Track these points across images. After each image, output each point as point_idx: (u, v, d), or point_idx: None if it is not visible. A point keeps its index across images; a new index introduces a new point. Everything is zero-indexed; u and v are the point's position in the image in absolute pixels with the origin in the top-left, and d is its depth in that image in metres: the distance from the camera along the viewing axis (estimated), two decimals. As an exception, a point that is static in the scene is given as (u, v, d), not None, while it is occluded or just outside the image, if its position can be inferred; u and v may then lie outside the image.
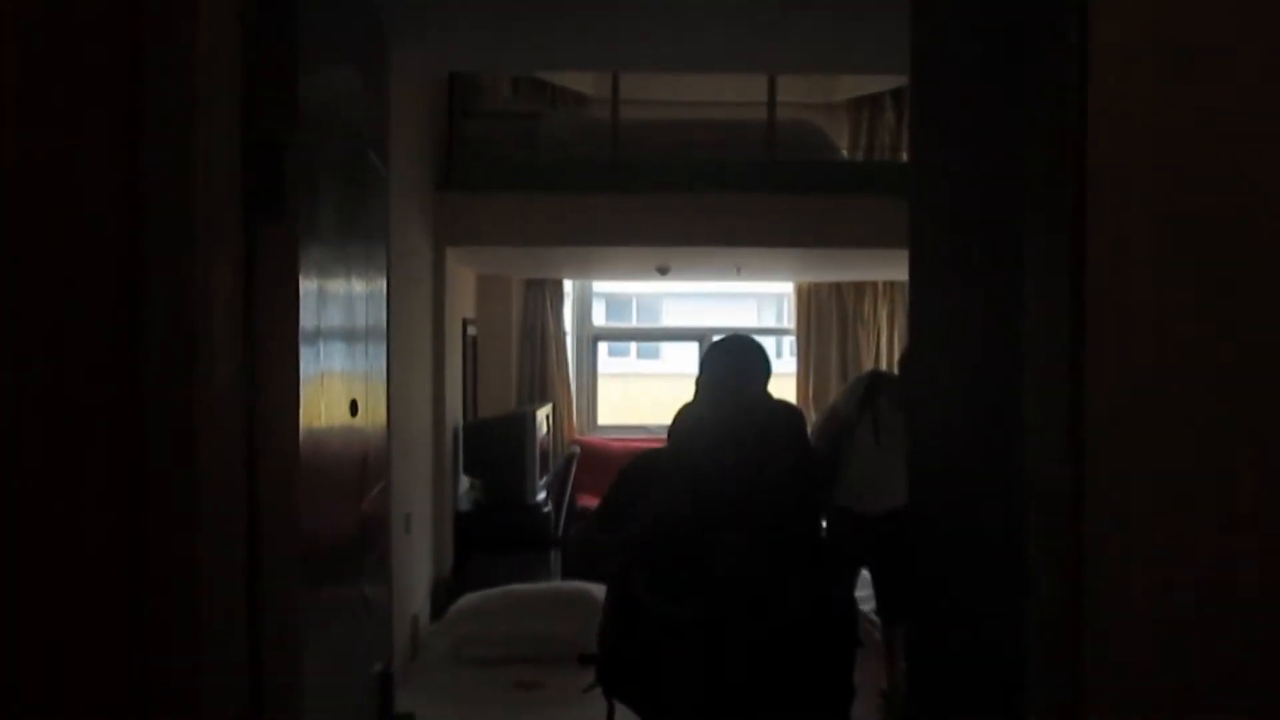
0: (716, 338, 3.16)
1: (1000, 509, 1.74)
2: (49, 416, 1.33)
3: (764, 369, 3.03)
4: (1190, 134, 1.41)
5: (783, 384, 9.15)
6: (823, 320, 9.08)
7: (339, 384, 1.88)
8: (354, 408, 2.00)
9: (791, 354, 9.72)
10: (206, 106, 1.34)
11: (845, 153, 7.99)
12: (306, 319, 1.60)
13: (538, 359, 8.59)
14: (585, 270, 8.68)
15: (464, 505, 6.37)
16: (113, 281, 1.32)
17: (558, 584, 5.64)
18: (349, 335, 1.98)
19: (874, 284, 8.91)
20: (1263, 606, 1.40)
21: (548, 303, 8.63)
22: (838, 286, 9.01)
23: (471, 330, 7.25)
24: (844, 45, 4.33)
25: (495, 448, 6.54)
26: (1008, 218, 1.73)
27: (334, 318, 1.83)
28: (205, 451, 1.35)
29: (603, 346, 9.75)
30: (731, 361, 3.00)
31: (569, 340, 9.03)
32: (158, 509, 1.33)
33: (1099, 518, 1.41)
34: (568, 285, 8.99)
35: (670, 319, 13.68)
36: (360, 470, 2.09)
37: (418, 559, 5.24)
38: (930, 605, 2.18)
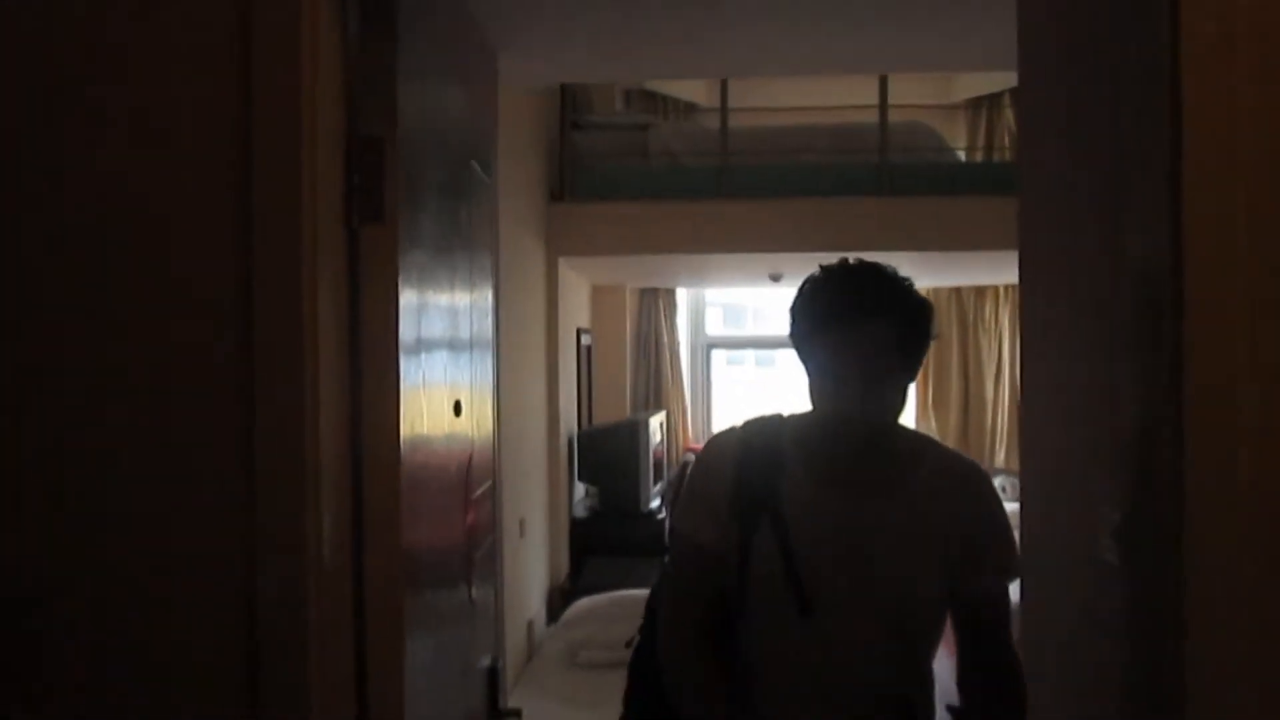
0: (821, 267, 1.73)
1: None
2: (165, 418, 1.41)
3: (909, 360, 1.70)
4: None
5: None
6: (942, 326, 8.89)
7: (441, 386, 1.94)
8: (457, 408, 2.05)
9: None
10: (310, 108, 1.40)
11: (963, 154, 7.82)
12: (407, 320, 1.66)
13: (652, 367, 8.64)
14: (697, 278, 8.69)
15: (579, 512, 6.45)
16: (227, 279, 1.39)
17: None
18: (452, 340, 2.04)
19: (994, 288, 8.68)
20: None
21: (661, 311, 8.68)
22: (957, 291, 8.81)
23: (586, 339, 7.33)
24: (956, 43, 4.24)
25: (610, 455, 6.59)
26: (1114, 214, 1.68)
27: (436, 322, 1.89)
28: (311, 453, 1.42)
29: (722, 355, 9.73)
30: (860, 342, 1.64)
31: (683, 348, 9.05)
32: (266, 511, 1.40)
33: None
34: (680, 294, 9.02)
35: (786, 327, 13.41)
36: (464, 471, 2.15)
37: (533, 563, 5.32)
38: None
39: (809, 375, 1.71)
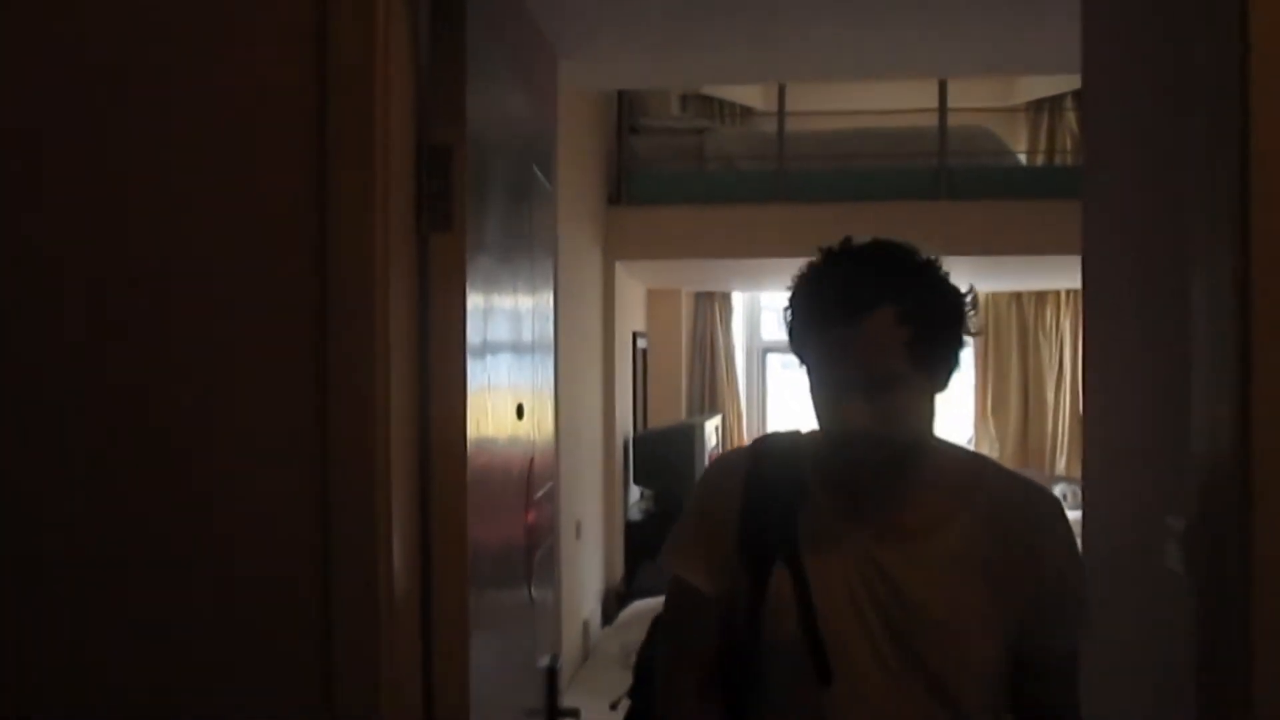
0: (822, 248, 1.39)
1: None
2: (240, 416, 1.46)
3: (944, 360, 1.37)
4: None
5: (961, 401, 8.92)
6: (1001, 331, 8.79)
7: (505, 389, 1.97)
8: (520, 411, 2.09)
9: (970, 367, 9.45)
10: (383, 119, 1.44)
11: (1024, 157, 7.73)
12: (473, 325, 1.69)
13: (707, 371, 8.65)
14: (753, 282, 8.69)
15: (634, 515, 6.48)
16: (303, 289, 1.44)
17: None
18: (515, 343, 2.07)
19: (1055, 293, 8.57)
20: None
21: (716, 315, 8.70)
22: (1017, 296, 8.71)
23: (642, 343, 7.37)
24: (1017, 46, 4.22)
25: (665, 458, 6.62)
26: (1180, 219, 1.67)
27: (500, 326, 1.93)
28: (381, 453, 1.46)
29: (777, 359, 9.71)
30: (854, 342, 1.31)
31: (738, 352, 9.05)
32: (339, 511, 1.44)
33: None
34: (736, 298, 9.03)
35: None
36: (526, 472, 2.18)
37: (588, 565, 5.36)
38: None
39: (809, 384, 1.37)
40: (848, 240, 1.36)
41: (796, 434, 1.50)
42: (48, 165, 1.46)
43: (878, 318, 1.28)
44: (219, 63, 1.44)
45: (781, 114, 6.26)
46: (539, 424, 2.33)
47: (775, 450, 1.48)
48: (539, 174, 2.33)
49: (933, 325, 1.31)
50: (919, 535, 1.38)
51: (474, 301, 1.70)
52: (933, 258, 1.35)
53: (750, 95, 8.03)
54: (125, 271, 1.46)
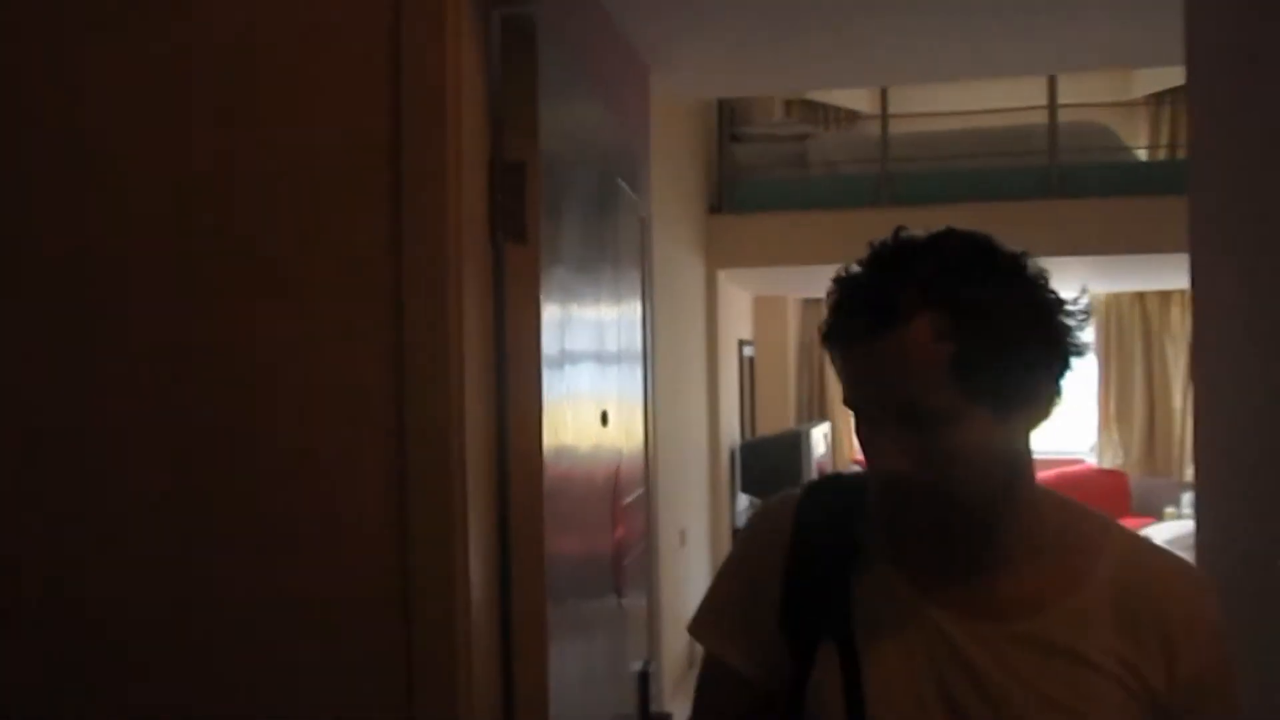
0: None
1: None
2: (318, 425, 1.52)
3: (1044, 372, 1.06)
4: None
5: (1083, 407, 8.60)
6: (1125, 334, 8.48)
7: (587, 397, 2.00)
8: (604, 419, 2.11)
9: (1092, 372, 9.14)
10: (455, 131, 1.49)
11: (1144, 152, 7.45)
12: (550, 334, 1.72)
13: (815, 378, 8.57)
14: (863, 288, 8.57)
15: (741, 522, 6.46)
16: (380, 301, 1.49)
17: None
18: (598, 352, 2.10)
19: (1180, 293, 8.22)
20: None
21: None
22: (1140, 296, 8.39)
23: (748, 350, 7.34)
24: (1127, 39, 4.07)
25: (772, 466, 6.57)
26: None
27: (580, 335, 1.96)
28: (457, 460, 1.50)
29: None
30: (880, 366, 1.04)
31: (848, 359, 8.94)
32: (418, 520, 1.49)
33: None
34: (846, 304, 8.92)
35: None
36: (612, 480, 2.21)
37: (694, 573, 5.36)
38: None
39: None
40: (898, 230, 1.06)
41: (858, 476, 1.18)
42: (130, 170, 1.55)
43: (908, 330, 0.97)
44: (301, 90, 1.51)
45: (885, 116, 6.18)
46: (627, 432, 2.36)
47: (829, 498, 1.16)
48: (623, 185, 2.36)
49: (995, 339, 0.98)
50: (1013, 616, 1.06)
51: (550, 311, 1.73)
52: (1017, 252, 1.03)
53: (855, 98, 7.94)
54: (202, 287, 1.54)
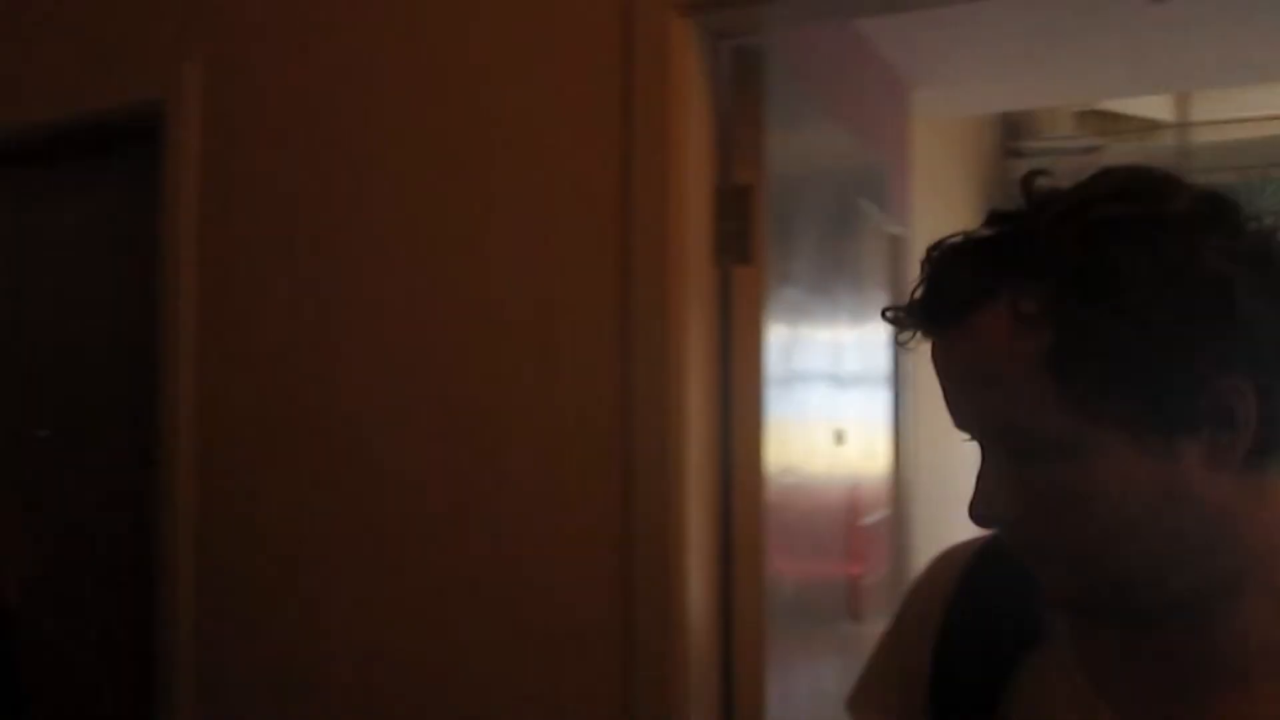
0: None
1: None
2: (551, 437, 1.63)
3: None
4: None
5: None
6: None
7: (818, 418, 2.01)
8: (839, 438, 2.11)
9: None
10: (679, 158, 1.57)
11: None
12: (779, 353, 1.76)
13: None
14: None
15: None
16: (607, 317, 1.60)
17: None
18: (833, 373, 2.11)
19: None
20: None
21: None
22: None
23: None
24: None
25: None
26: None
27: (812, 356, 1.97)
28: (676, 481, 1.57)
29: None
30: (955, 367, 0.72)
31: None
32: (641, 530, 1.57)
33: None
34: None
35: None
36: (847, 500, 2.20)
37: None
38: None
39: None
40: (1030, 173, 0.75)
41: None
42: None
43: (980, 318, 0.68)
44: (539, 133, 1.64)
45: (1184, 125, 5.72)
46: (867, 453, 2.34)
47: (1006, 558, 0.78)
48: (867, 205, 2.35)
49: (1117, 319, 0.63)
50: (1203, 712, 0.73)
51: (778, 332, 1.76)
52: (1218, 193, 0.70)
53: (1156, 106, 7.38)
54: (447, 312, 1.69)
